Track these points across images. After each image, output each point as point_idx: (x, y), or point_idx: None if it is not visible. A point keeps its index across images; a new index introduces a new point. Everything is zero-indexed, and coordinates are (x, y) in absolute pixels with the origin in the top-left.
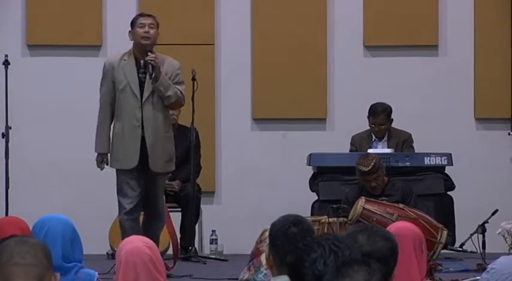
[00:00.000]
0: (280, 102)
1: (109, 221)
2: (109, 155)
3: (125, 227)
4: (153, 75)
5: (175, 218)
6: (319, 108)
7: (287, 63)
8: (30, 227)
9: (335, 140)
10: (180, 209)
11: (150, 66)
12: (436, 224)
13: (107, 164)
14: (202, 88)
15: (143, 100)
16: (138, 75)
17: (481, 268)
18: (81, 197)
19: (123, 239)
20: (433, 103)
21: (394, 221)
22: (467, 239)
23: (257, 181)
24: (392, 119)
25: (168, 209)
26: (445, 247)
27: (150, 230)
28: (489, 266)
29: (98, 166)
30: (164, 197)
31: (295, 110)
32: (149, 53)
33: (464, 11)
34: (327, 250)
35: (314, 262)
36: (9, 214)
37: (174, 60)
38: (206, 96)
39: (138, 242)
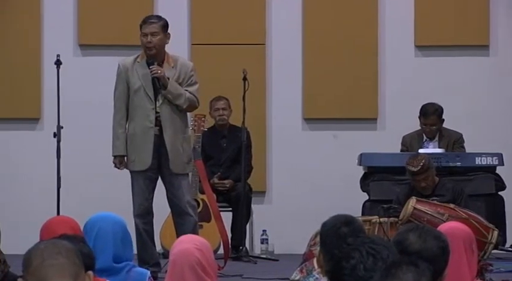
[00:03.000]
0: (331, 102)
1: (160, 220)
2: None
3: (139, 230)
4: (161, 85)
5: (226, 217)
6: (370, 108)
7: (338, 63)
8: (81, 227)
9: (386, 140)
10: (231, 209)
11: (156, 79)
12: (487, 224)
13: (126, 167)
14: (253, 88)
15: (160, 102)
16: (151, 78)
17: None
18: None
19: (137, 241)
20: (484, 103)
21: (444, 221)
22: None
23: (308, 181)
24: (443, 120)
25: (219, 209)
26: (495, 247)
27: (181, 230)
28: None
29: (117, 167)
30: (215, 196)
31: (346, 110)
32: (151, 66)
33: None
34: (365, 254)
35: (354, 268)
36: (61, 213)
37: (188, 62)
38: (257, 96)
39: (188, 243)
